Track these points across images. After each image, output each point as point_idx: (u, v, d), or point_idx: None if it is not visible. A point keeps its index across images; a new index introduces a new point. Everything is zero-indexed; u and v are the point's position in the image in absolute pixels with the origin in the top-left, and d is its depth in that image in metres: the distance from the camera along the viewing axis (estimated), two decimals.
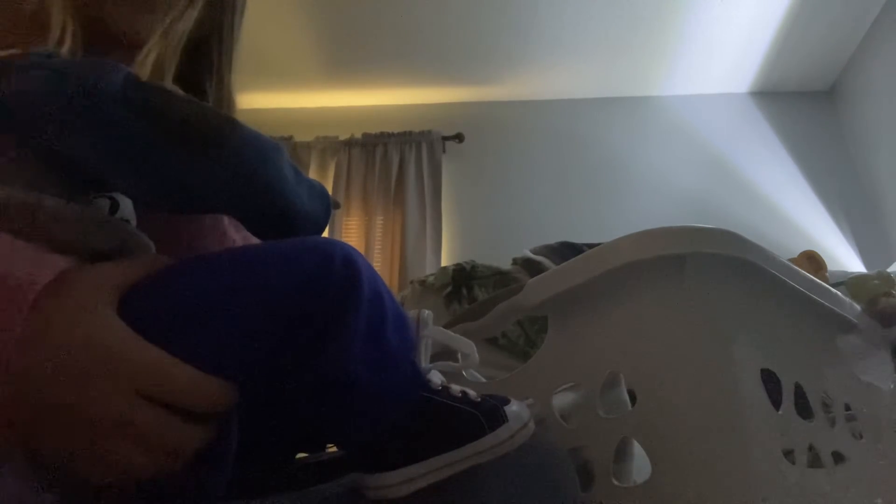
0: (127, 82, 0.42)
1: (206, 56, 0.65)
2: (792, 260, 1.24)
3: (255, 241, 0.52)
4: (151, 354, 0.37)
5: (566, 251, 1.37)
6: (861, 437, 0.72)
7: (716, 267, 0.58)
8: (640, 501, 0.55)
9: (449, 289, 1.33)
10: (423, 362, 0.48)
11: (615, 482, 0.57)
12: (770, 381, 0.60)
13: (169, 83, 0.53)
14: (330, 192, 0.54)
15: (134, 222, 0.49)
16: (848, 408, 0.72)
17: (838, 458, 0.67)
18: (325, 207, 0.52)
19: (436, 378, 0.47)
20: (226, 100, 0.66)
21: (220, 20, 0.64)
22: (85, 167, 0.42)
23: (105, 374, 0.36)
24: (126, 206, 0.48)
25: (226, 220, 0.63)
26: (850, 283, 1.24)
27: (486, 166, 3.15)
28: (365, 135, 3.17)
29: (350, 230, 3.00)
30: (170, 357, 0.37)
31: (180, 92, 0.45)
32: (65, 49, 0.48)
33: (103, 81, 0.41)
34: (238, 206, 0.47)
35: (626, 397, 0.69)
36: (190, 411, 0.38)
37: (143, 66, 0.52)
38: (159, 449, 0.37)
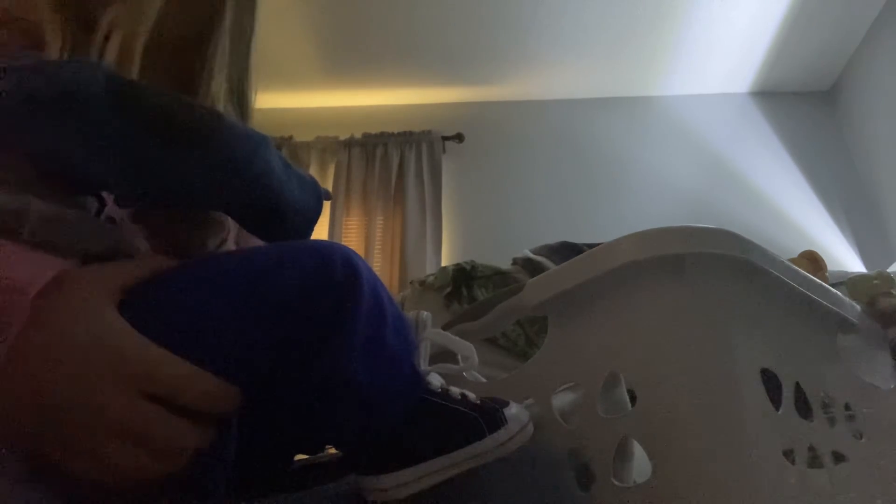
0: (109, 81, 0.41)
1: (202, 55, 0.59)
2: (792, 260, 1.24)
3: (253, 242, 0.52)
4: (155, 353, 0.37)
5: (566, 251, 1.37)
6: (861, 437, 0.72)
7: (716, 267, 0.58)
8: (640, 501, 0.55)
9: (449, 289, 1.32)
10: (423, 364, 0.48)
11: (615, 482, 0.57)
12: (770, 381, 0.60)
13: (135, 66, 0.50)
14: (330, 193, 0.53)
15: (120, 222, 0.48)
16: (848, 408, 0.72)
17: (838, 458, 0.67)
18: (317, 199, 0.51)
19: (435, 380, 0.47)
20: (225, 102, 0.60)
21: (211, 15, 0.58)
22: (72, 168, 0.42)
23: (108, 372, 0.35)
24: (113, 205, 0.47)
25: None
26: (850, 283, 1.24)
27: (486, 166, 3.15)
28: (365, 135, 3.17)
29: (350, 230, 3.00)
30: (173, 356, 0.37)
31: (164, 88, 0.45)
32: (54, 50, 0.47)
33: (85, 82, 0.41)
34: (228, 201, 0.47)
35: (626, 397, 0.69)
36: (192, 411, 0.38)
37: (109, 47, 0.49)
38: (162, 449, 0.37)
